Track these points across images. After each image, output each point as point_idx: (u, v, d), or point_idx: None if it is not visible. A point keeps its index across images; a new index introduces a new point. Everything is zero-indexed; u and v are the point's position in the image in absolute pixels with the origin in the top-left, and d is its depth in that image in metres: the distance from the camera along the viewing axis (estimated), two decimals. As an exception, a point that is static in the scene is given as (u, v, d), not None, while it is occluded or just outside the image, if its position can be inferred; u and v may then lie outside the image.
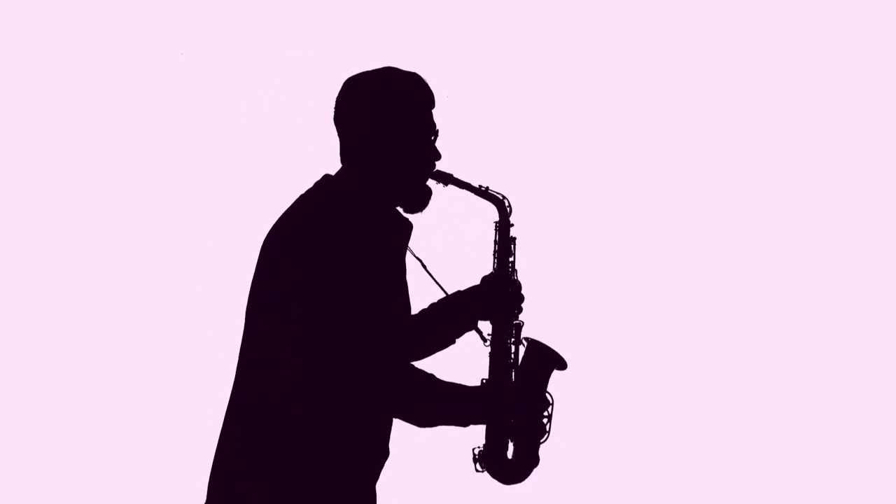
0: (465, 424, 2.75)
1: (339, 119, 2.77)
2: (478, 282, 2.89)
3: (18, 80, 4.69)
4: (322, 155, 4.44)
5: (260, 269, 2.72)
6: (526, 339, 2.86)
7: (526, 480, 2.82)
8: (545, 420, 2.81)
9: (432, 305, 2.91)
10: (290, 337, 2.58)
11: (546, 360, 2.84)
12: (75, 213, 4.70)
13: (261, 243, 2.78)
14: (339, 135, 2.78)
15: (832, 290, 4.80)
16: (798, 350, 4.77)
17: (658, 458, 4.71)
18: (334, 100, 2.80)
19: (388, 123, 2.72)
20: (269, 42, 4.74)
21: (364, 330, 2.57)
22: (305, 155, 4.55)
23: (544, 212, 4.64)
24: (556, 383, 2.86)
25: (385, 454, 2.75)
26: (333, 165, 2.83)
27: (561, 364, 2.84)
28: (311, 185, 2.78)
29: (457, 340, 2.90)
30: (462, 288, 2.90)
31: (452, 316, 2.86)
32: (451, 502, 4.35)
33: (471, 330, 2.87)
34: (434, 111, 2.79)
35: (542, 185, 4.72)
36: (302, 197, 2.75)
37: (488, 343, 2.84)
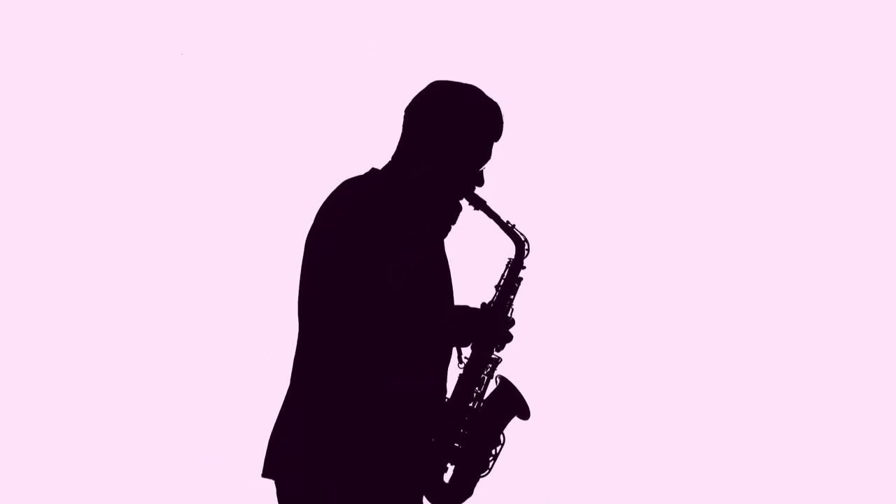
0: None
1: (412, 114, 2.85)
2: (476, 304, 2.94)
3: (19, 80, 4.73)
4: (321, 154, 4.49)
5: (310, 252, 2.75)
6: (500, 376, 2.91)
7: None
8: (491, 458, 2.86)
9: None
10: (343, 315, 2.63)
11: (512, 403, 2.89)
12: (75, 213, 4.74)
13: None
14: (405, 128, 2.86)
15: (830, 290, 4.85)
16: (794, 351, 4.84)
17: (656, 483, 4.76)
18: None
19: (454, 137, 2.81)
20: (270, 42, 4.78)
21: (403, 307, 2.65)
22: (305, 155, 4.61)
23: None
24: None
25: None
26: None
27: (524, 413, 2.89)
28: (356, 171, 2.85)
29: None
30: (466, 304, 2.95)
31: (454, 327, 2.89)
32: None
33: (459, 346, 2.91)
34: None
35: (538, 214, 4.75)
36: (349, 181, 2.81)
37: (462, 366, 2.88)
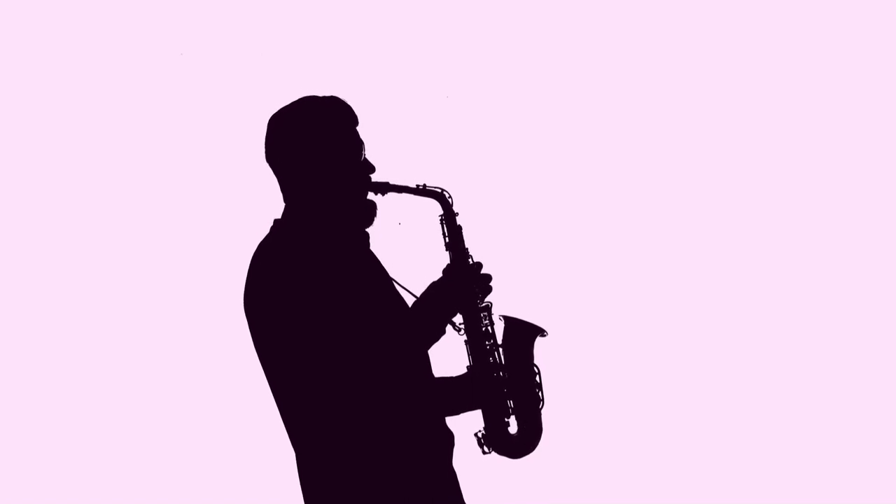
0: (458, 412, 2.91)
1: (270, 157, 2.87)
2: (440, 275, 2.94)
3: (19, 79, 4.73)
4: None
5: (253, 324, 2.82)
6: (501, 316, 2.93)
7: (534, 452, 2.94)
8: (538, 390, 2.90)
9: (412, 306, 2.96)
10: (304, 364, 2.71)
11: (526, 332, 2.91)
12: (74, 213, 4.76)
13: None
14: (275, 172, 2.87)
15: (830, 289, 4.77)
16: (793, 348, 4.77)
17: (636, 445, 4.78)
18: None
19: (316, 150, 2.81)
20: (269, 42, 4.74)
21: (361, 334, 2.70)
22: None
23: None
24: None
25: (445, 435, 2.88)
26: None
27: (542, 332, 2.92)
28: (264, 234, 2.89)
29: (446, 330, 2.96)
30: (428, 284, 2.96)
31: (433, 311, 2.89)
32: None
33: (451, 318, 2.93)
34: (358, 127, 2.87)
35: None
36: (260, 246, 2.86)
37: (462, 331, 2.91)
